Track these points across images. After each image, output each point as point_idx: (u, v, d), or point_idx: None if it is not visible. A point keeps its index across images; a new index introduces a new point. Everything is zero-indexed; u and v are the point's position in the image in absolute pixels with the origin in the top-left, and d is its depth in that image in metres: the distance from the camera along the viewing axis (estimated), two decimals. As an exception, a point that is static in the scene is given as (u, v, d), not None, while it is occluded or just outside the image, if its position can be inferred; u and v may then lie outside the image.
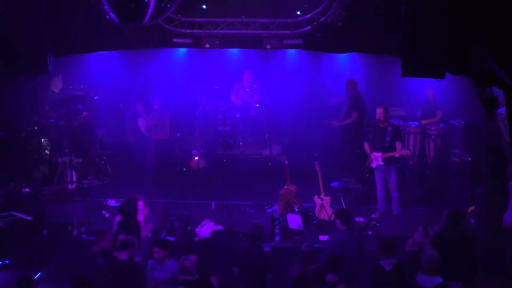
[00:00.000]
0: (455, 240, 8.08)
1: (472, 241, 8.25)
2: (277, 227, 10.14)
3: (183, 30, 11.76)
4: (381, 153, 10.63)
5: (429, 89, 12.72)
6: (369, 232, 10.20)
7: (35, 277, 8.68)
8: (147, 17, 8.53)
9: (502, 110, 8.93)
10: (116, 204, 10.91)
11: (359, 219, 10.62)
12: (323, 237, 9.67)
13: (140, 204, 9.26)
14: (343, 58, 13.53)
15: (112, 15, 9.93)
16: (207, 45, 11.73)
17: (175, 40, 11.75)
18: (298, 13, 11.66)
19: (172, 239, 9.85)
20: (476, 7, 8.13)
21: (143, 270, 8.35)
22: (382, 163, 10.64)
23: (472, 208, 10.07)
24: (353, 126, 12.46)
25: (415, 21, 8.88)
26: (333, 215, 10.10)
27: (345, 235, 8.39)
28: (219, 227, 10.14)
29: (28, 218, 10.52)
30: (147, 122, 12.68)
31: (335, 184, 11.70)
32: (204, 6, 11.69)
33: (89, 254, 8.18)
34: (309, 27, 11.52)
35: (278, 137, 13.35)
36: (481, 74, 8.39)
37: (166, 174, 12.74)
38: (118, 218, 9.25)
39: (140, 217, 9.14)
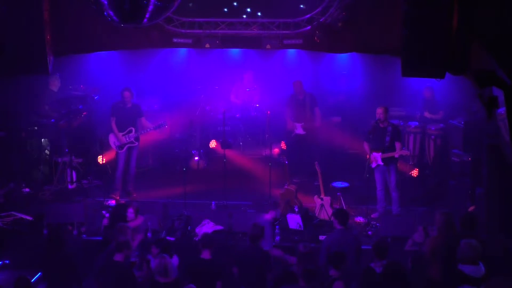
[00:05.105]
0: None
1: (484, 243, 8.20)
2: (277, 227, 10.14)
3: (183, 30, 11.77)
4: (380, 153, 10.63)
5: (428, 89, 12.71)
6: (369, 232, 10.20)
7: (33, 280, 8.64)
8: (147, 17, 8.51)
9: (502, 110, 8.93)
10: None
11: (359, 219, 10.64)
12: (323, 237, 9.66)
13: (130, 211, 9.19)
14: (343, 58, 13.52)
15: (112, 14, 9.92)
16: (207, 45, 11.74)
17: (175, 40, 11.76)
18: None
19: (172, 239, 9.85)
20: (476, 7, 8.13)
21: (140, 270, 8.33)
22: (382, 163, 10.65)
23: (472, 208, 10.06)
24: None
25: (415, 21, 8.88)
26: (332, 215, 10.10)
27: (342, 235, 8.36)
28: (219, 227, 10.13)
29: (28, 218, 10.52)
30: (119, 139, 11.61)
31: (335, 184, 11.70)
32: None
33: (109, 250, 8.21)
34: (309, 27, 11.53)
35: (278, 137, 13.35)
36: (481, 74, 8.39)
37: (166, 174, 12.73)
38: (105, 221, 9.23)
39: (130, 225, 8.82)
